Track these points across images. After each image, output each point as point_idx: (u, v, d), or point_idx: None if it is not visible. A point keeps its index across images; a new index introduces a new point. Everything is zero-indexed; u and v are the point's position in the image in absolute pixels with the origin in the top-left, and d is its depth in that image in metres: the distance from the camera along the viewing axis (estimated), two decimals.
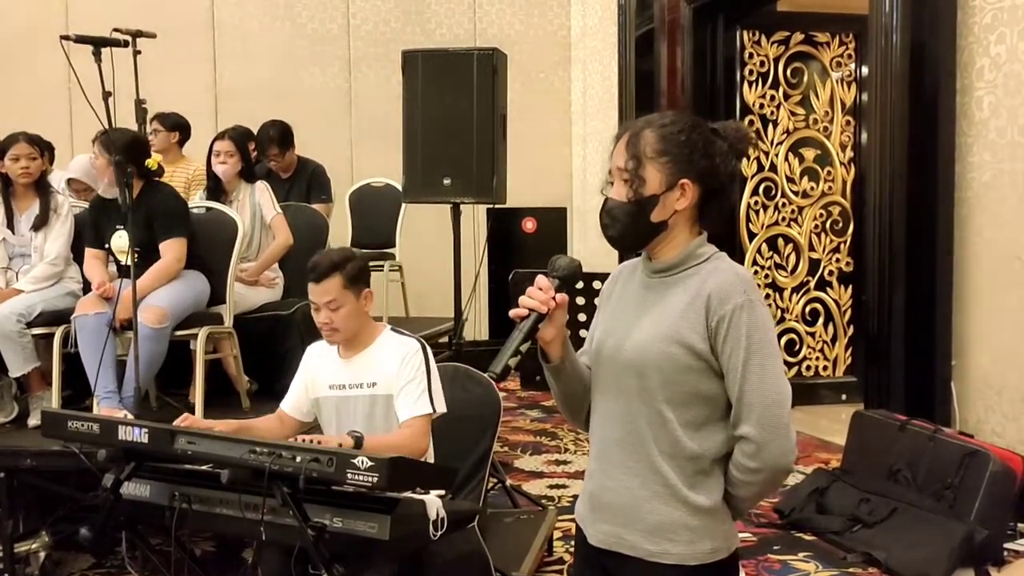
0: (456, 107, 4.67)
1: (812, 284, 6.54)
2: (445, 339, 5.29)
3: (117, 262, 3.84)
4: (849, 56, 6.50)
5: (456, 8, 8.09)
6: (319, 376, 2.89)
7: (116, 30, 3.65)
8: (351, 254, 2.87)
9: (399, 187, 5.54)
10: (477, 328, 7.80)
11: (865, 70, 6.28)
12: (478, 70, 4.64)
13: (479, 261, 6.00)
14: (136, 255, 3.87)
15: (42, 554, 3.72)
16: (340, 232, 5.95)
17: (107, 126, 3.52)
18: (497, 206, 5.00)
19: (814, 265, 6.54)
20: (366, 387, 2.81)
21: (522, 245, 7.73)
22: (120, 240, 3.91)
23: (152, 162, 3.99)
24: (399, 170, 5.11)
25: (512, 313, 1.79)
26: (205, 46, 7.69)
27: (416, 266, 6.51)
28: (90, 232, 4.02)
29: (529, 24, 8.23)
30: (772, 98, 6.41)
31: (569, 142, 8.42)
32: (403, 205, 6.04)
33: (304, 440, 2.50)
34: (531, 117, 7.86)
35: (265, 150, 5.53)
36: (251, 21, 7.80)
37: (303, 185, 5.66)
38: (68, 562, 3.90)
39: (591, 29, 7.97)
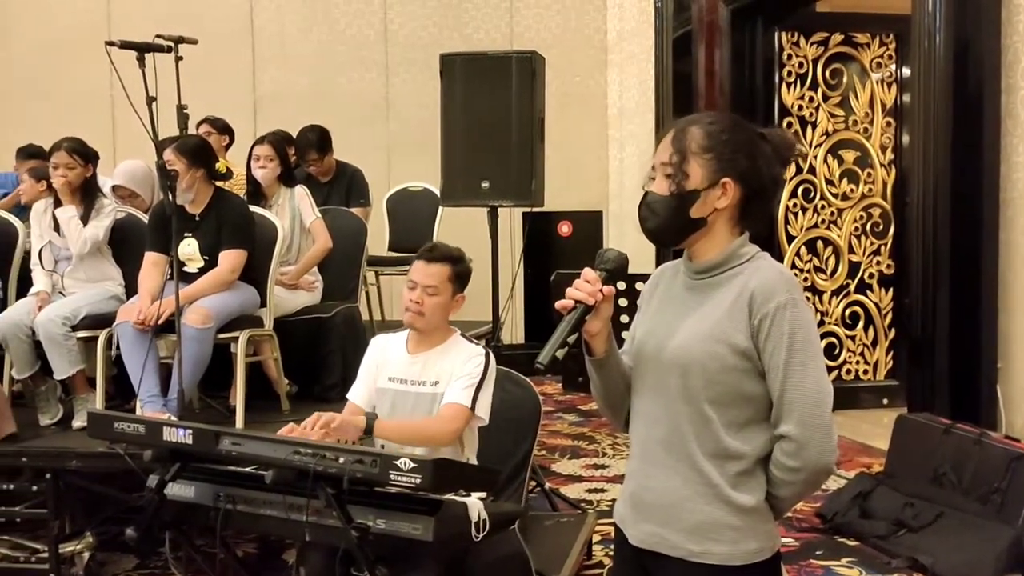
0: (494, 110, 4.67)
1: (852, 287, 6.48)
2: (483, 342, 5.29)
3: (181, 268, 3.85)
4: (889, 57, 6.43)
5: (493, 13, 8.11)
6: (383, 366, 2.90)
7: (159, 36, 3.69)
8: (465, 257, 2.93)
9: (436, 191, 5.56)
10: (513, 331, 7.80)
11: (906, 71, 6.22)
12: (517, 73, 4.64)
13: (516, 265, 6.00)
14: (205, 262, 3.93)
15: (87, 555, 3.76)
16: (378, 236, 5.98)
17: (151, 132, 3.55)
18: (534, 210, 4.99)
19: (854, 268, 6.47)
20: (428, 385, 2.81)
21: (558, 249, 7.72)
22: (189, 248, 3.96)
23: (221, 165, 4.02)
24: (435, 174, 5.12)
25: (558, 304, 1.79)
26: (244, 52, 7.77)
27: None
28: (154, 236, 3.99)
29: (565, 28, 8.23)
30: (811, 99, 6.36)
31: (606, 145, 8.41)
32: (440, 209, 6.05)
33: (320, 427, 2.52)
34: (567, 121, 7.85)
35: (304, 155, 5.57)
36: (290, 27, 7.87)
37: (342, 189, 5.68)
38: (113, 563, 3.94)
39: (628, 32, 7.96)
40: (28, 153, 5.57)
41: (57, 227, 4.19)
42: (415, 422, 2.74)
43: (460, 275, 2.88)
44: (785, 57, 6.31)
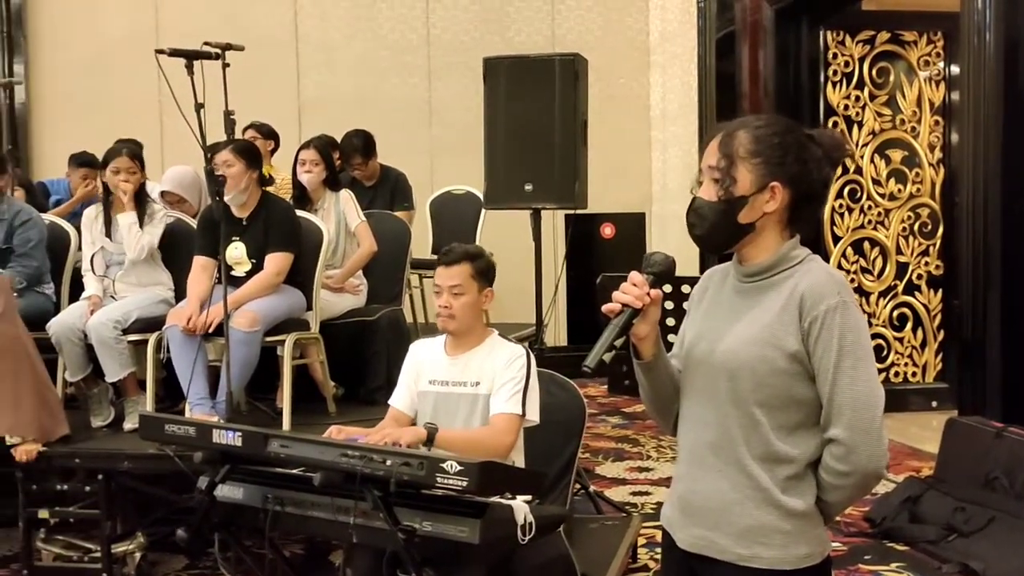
0: (537, 113, 4.67)
1: (900, 288, 6.40)
2: (525, 344, 5.29)
3: (228, 271, 3.89)
4: (937, 54, 6.35)
5: (534, 16, 8.10)
6: (423, 370, 2.92)
7: (207, 43, 3.74)
8: (484, 252, 2.94)
9: (479, 194, 5.57)
10: (556, 334, 7.79)
11: (955, 68, 6.14)
12: (560, 76, 4.63)
13: (559, 267, 6.00)
14: (252, 265, 3.98)
15: (138, 555, 3.82)
16: (421, 239, 6.00)
17: (200, 138, 3.60)
18: (577, 212, 4.99)
19: (902, 269, 6.40)
20: (469, 386, 2.83)
21: (600, 251, 7.70)
22: (236, 251, 4.00)
23: (267, 170, 4.06)
24: (478, 177, 5.12)
25: (605, 308, 1.79)
26: (289, 58, 7.84)
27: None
28: (202, 240, 4.05)
29: (608, 30, 8.20)
30: (857, 99, 6.30)
31: (648, 147, 8.37)
32: (483, 212, 6.07)
33: (386, 442, 2.53)
34: (610, 122, 7.81)
35: (349, 159, 5.61)
36: (334, 33, 7.92)
37: (386, 193, 5.72)
38: (163, 563, 4.00)
39: (670, 33, 7.92)
40: (81, 161, 5.67)
41: (109, 233, 4.25)
42: (473, 435, 2.74)
43: (482, 271, 2.88)
44: (830, 56, 6.25)
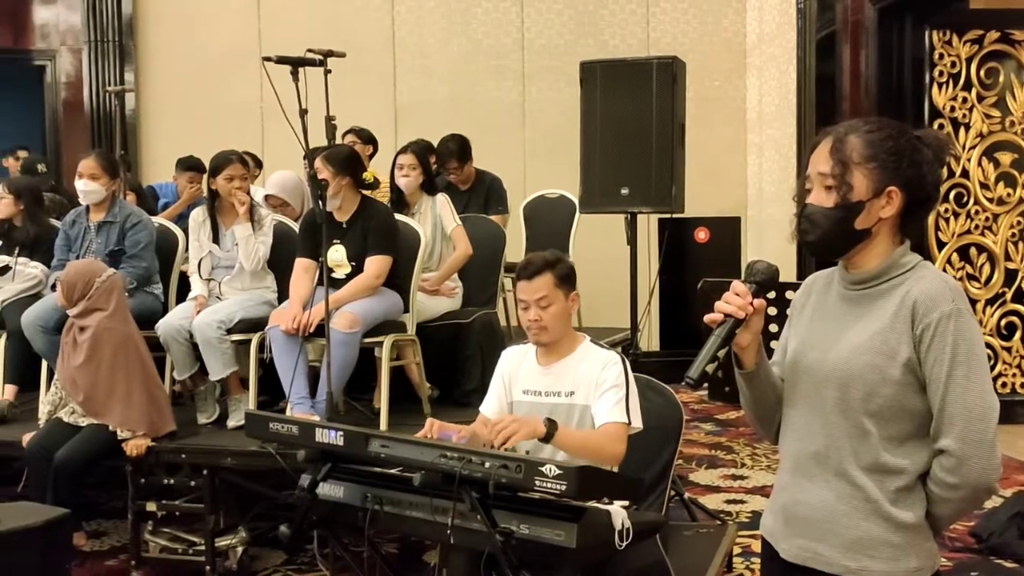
0: (634, 116, 4.64)
1: (1008, 296, 6.18)
2: (619, 349, 5.26)
3: (330, 274, 3.96)
4: None
5: (629, 19, 8.06)
6: (515, 380, 2.88)
7: (310, 50, 3.82)
8: (561, 256, 2.87)
9: (572, 198, 5.56)
10: (649, 339, 7.72)
11: None
12: (657, 79, 4.60)
13: (652, 271, 5.94)
14: (352, 268, 4.04)
15: (240, 549, 3.92)
16: (515, 243, 6.02)
17: (303, 143, 3.68)
18: (673, 216, 4.94)
19: (1011, 275, 6.18)
20: (564, 396, 2.78)
21: (695, 255, 7.61)
22: (337, 254, 4.08)
23: (369, 175, 4.12)
24: (570, 181, 5.12)
25: (707, 318, 1.78)
26: (386, 64, 7.95)
27: (587, 276, 6.48)
28: (304, 243, 4.14)
29: (703, 32, 8.11)
30: (964, 100, 6.11)
31: (744, 150, 8.24)
32: (576, 215, 6.06)
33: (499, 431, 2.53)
34: (704, 125, 7.71)
35: (445, 163, 5.66)
36: (429, 38, 8.01)
37: (481, 197, 5.76)
38: (262, 557, 4.10)
39: (768, 35, 7.79)
40: (187, 165, 5.86)
41: (216, 238, 4.37)
42: (589, 439, 2.69)
43: (564, 276, 2.80)
44: (936, 56, 6.08)
